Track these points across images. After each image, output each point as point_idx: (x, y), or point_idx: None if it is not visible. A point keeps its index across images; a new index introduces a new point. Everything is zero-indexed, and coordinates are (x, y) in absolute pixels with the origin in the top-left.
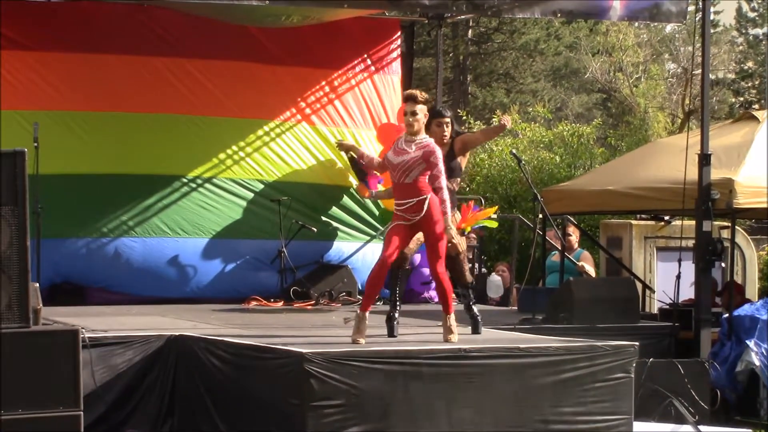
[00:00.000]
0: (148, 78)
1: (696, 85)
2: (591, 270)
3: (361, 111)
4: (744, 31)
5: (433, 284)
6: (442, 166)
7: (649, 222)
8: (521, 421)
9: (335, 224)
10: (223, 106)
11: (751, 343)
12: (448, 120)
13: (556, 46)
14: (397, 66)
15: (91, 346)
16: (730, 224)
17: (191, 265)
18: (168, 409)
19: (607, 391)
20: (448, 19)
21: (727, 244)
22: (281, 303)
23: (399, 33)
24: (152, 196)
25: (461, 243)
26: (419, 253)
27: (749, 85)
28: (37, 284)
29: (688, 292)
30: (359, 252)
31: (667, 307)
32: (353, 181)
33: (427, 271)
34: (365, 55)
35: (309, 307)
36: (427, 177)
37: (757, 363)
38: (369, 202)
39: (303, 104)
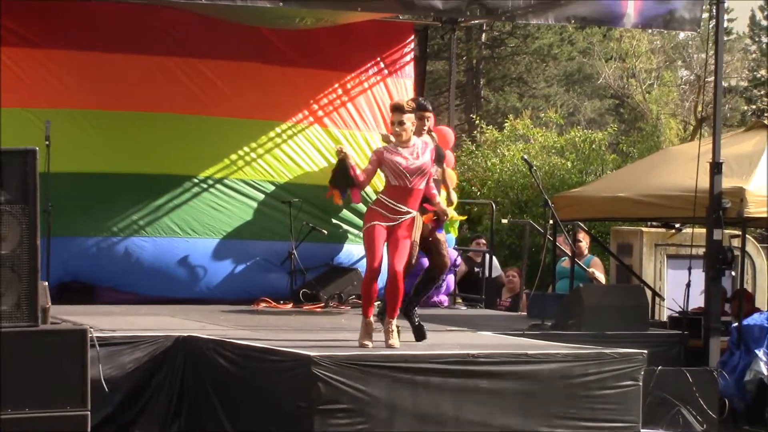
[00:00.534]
0: (160, 78)
1: (709, 92)
2: (601, 276)
3: (373, 114)
4: (757, 39)
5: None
6: None
7: (659, 229)
8: (528, 427)
9: (346, 227)
10: (235, 106)
11: (760, 353)
12: (429, 114)
13: (569, 51)
14: (410, 69)
15: (100, 346)
16: (740, 233)
17: (201, 266)
18: (176, 409)
19: (615, 398)
20: (462, 23)
21: (737, 252)
22: (290, 305)
23: (412, 36)
24: (163, 196)
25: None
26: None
27: (762, 93)
28: (46, 283)
29: (697, 301)
30: None
31: (677, 315)
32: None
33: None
34: (378, 58)
35: (318, 309)
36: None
37: (766, 372)
38: None
39: (315, 106)
